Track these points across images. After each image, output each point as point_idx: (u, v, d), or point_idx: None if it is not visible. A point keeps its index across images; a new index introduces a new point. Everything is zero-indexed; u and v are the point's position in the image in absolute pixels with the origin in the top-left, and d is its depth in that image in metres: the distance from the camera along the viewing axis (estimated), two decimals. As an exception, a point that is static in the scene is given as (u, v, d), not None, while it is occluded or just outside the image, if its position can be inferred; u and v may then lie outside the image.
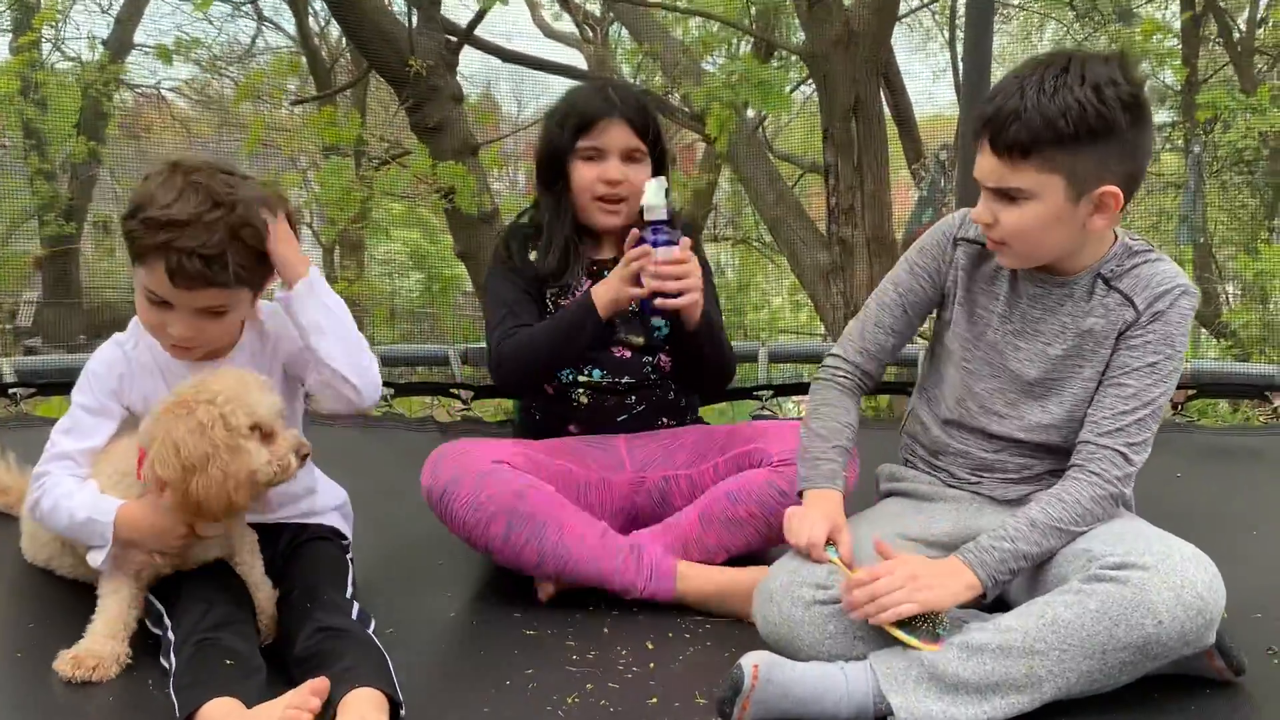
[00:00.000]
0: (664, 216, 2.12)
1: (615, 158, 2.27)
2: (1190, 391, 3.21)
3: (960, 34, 8.90)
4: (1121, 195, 1.78)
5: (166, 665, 1.69)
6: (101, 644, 1.75)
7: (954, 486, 2.05)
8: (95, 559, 1.80)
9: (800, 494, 1.96)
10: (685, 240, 2.15)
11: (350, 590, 1.88)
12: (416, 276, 11.99)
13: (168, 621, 1.76)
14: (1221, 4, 9.60)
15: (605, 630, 1.95)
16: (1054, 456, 1.97)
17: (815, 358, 3.50)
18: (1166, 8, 10.61)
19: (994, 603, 1.84)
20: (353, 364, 1.86)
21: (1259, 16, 10.15)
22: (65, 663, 1.72)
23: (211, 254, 1.74)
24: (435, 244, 10.79)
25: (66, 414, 1.93)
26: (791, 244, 7.25)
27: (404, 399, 3.17)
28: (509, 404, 3.79)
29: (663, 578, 2.03)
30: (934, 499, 2.04)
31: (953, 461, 2.05)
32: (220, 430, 1.71)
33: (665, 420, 2.34)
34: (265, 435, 1.76)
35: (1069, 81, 1.71)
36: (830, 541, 1.84)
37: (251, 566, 1.87)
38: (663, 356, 2.33)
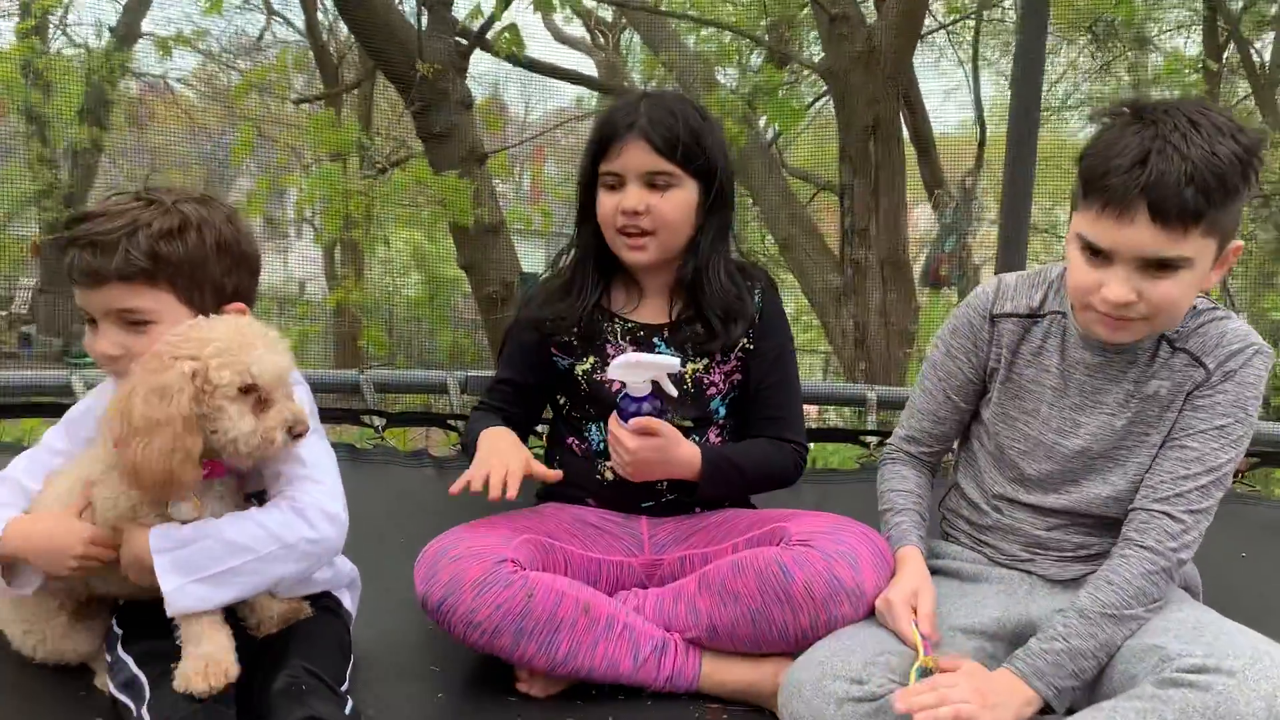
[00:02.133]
0: (637, 393, 1.85)
1: (634, 184, 1.97)
2: (1254, 459, 2.85)
3: (981, 55, 8.73)
4: (1242, 247, 1.64)
5: None
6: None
7: (1002, 565, 1.85)
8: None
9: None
10: (638, 422, 1.85)
11: (347, 684, 1.69)
12: (416, 277, 11.81)
13: (146, 692, 1.55)
14: (1244, 34, 9.44)
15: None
16: (1115, 533, 1.78)
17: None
18: (1188, 36, 10.46)
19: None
20: (300, 560, 1.62)
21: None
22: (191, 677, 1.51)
23: (105, 241, 1.57)
24: (436, 244, 10.62)
25: (33, 446, 1.78)
26: (802, 264, 7.07)
27: (396, 430, 2.96)
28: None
29: (685, 680, 1.82)
30: (979, 579, 1.85)
31: (1002, 538, 1.86)
32: (184, 400, 1.50)
33: (697, 511, 2.08)
34: (261, 402, 1.54)
35: (1210, 135, 1.54)
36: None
37: None
38: (713, 435, 2.06)
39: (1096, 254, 1.62)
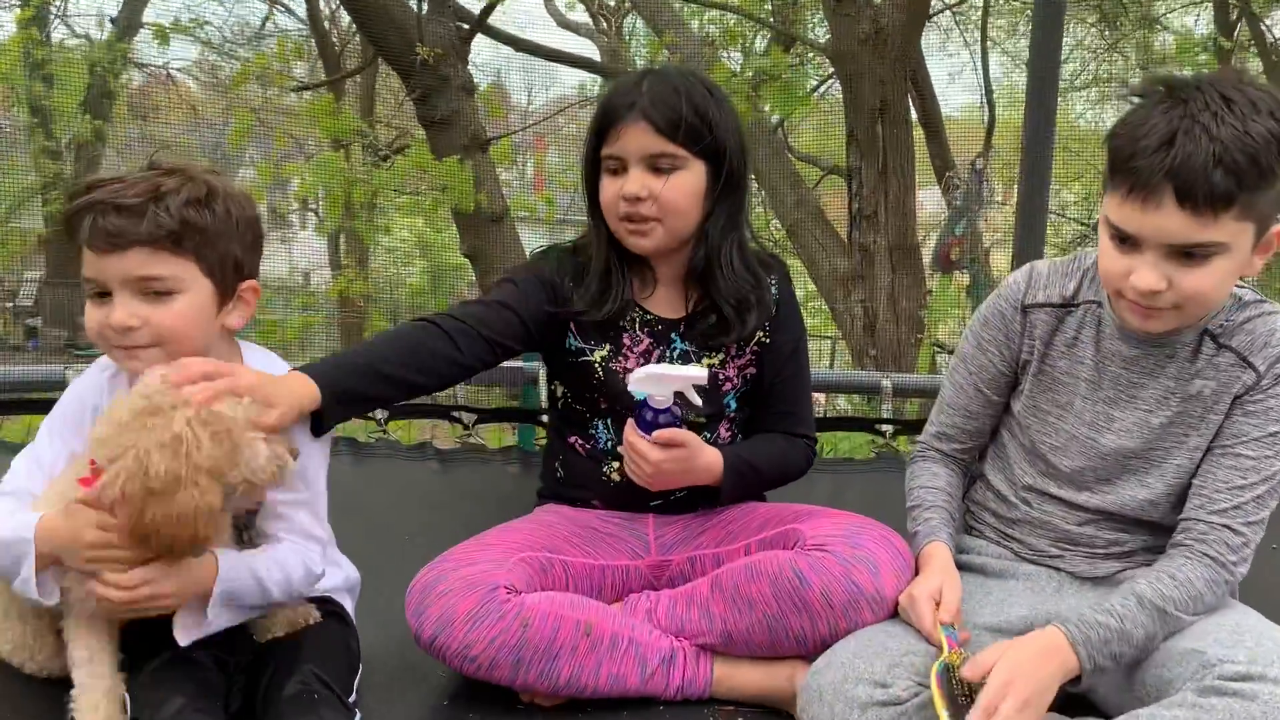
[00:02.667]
0: (658, 405, 1.76)
1: (636, 167, 1.84)
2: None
3: (989, 34, 8.64)
4: None
5: None
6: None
7: (1029, 560, 1.78)
8: (31, 590, 1.52)
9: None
10: (663, 434, 1.76)
11: (354, 695, 1.63)
12: (421, 265, 11.78)
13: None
14: (1255, 10, 9.33)
15: (621, 728, 1.68)
16: (1150, 531, 1.72)
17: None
18: (1199, 15, 10.35)
19: (1081, 706, 1.58)
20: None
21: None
22: None
23: (130, 204, 1.50)
24: (440, 232, 10.58)
25: (29, 444, 1.68)
26: (809, 249, 7.01)
27: (399, 422, 2.90)
28: (514, 429, 3.53)
29: (697, 687, 1.75)
30: (1006, 576, 1.78)
31: (1030, 532, 1.79)
32: (205, 452, 1.42)
33: (704, 508, 1.99)
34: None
35: (1244, 113, 1.44)
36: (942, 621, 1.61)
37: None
38: (723, 430, 1.97)
39: (1125, 240, 1.54)
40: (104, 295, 1.55)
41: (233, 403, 1.47)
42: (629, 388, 1.77)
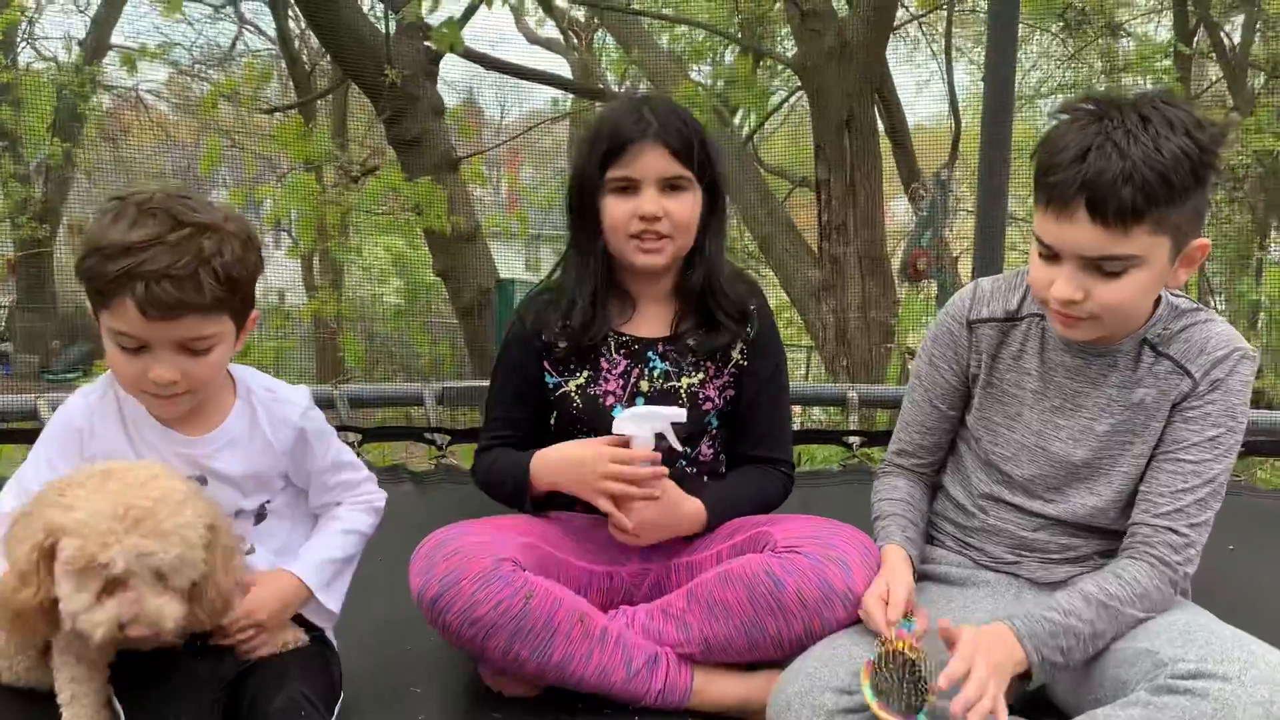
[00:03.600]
0: (640, 446, 1.84)
1: (651, 188, 1.91)
2: (1240, 449, 2.79)
3: (955, 45, 8.73)
4: (1209, 246, 1.60)
5: None
6: None
7: (988, 567, 1.83)
8: None
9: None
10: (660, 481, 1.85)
11: (335, 716, 1.66)
12: (396, 284, 11.75)
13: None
14: (1214, 18, 9.48)
15: (597, 735, 1.71)
16: (1101, 537, 1.77)
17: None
18: (1159, 21, 10.50)
19: (1041, 708, 1.62)
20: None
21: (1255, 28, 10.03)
22: None
23: (183, 274, 1.52)
24: (416, 249, 10.56)
25: (14, 476, 1.71)
26: (781, 260, 7.06)
27: (374, 444, 2.92)
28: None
29: (677, 694, 1.79)
30: (966, 584, 1.83)
31: (987, 540, 1.84)
32: (25, 553, 1.44)
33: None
34: (114, 584, 1.41)
35: (1160, 131, 1.50)
36: (908, 614, 1.65)
37: None
38: (705, 447, 2.03)
39: (1049, 252, 1.60)
40: (136, 350, 1.58)
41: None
42: (615, 428, 1.83)
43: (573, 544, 1.95)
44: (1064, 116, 1.59)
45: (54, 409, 2.77)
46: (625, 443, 1.84)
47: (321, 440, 1.76)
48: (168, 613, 1.44)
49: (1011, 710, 1.56)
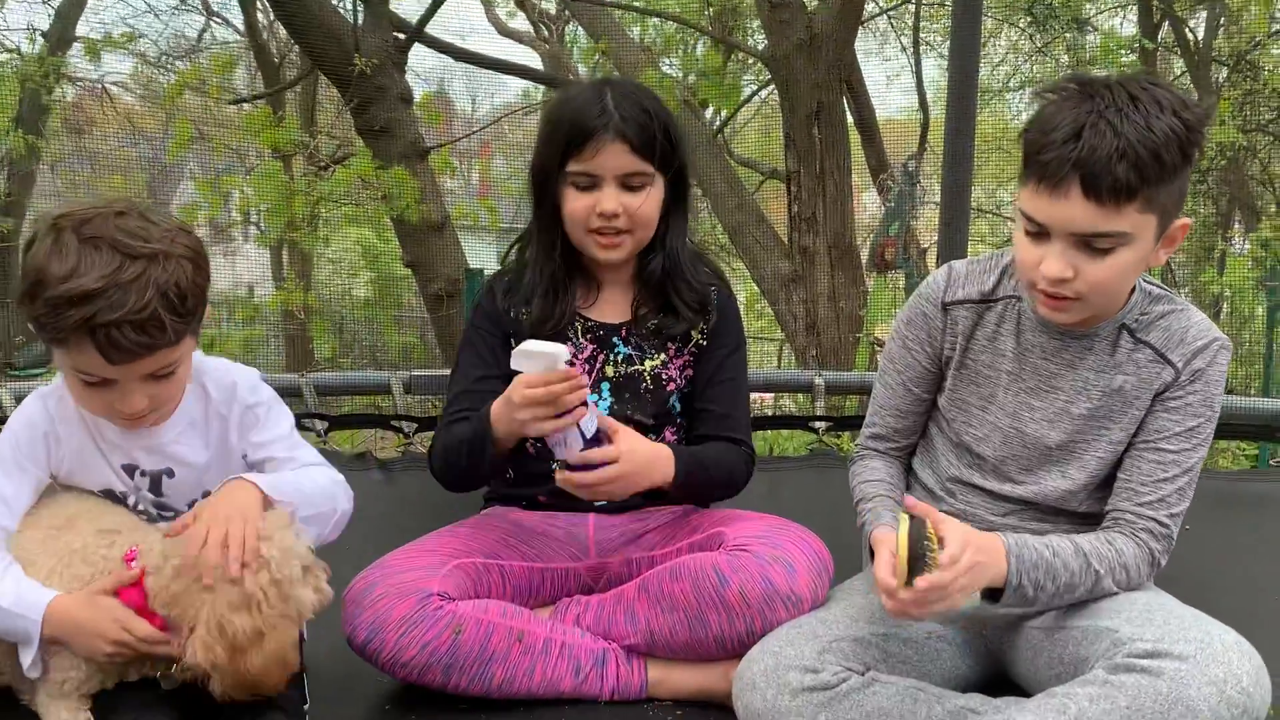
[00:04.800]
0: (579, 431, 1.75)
1: (611, 185, 1.88)
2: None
3: (923, 39, 8.80)
4: (1190, 225, 1.63)
5: None
6: None
7: (953, 551, 1.84)
8: (25, 661, 1.55)
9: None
10: (609, 450, 1.77)
11: (307, 701, 1.66)
12: (366, 276, 11.68)
13: None
14: (1178, 13, 9.59)
15: (561, 727, 1.72)
16: (1070, 522, 1.79)
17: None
18: (1124, 16, 10.61)
19: (1003, 685, 1.64)
20: (336, 528, 1.72)
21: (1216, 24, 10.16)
22: None
23: (144, 317, 1.47)
24: (387, 242, 10.50)
25: None
26: (751, 251, 7.08)
27: (340, 432, 2.91)
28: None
29: (633, 690, 1.79)
30: (933, 566, 1.84)
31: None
32: (275, 598, 1.50)
33: (646, 507, 2.01)
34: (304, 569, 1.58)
35: (1149, 110, 1.52)
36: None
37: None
38: (669, 433, 2.00)
39: (1037, 230, 1.61)
40: (100, 385, 1.55)
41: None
42: (511, 365, 1.75)
43: (521, 546, 1.93)
44: (1051, 96, 1.61)
45: (16, 398, 2.76)
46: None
47: (273, 412, 1.73)
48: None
49: (974, 688, 1.58)
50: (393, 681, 1.79)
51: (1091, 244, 1.57)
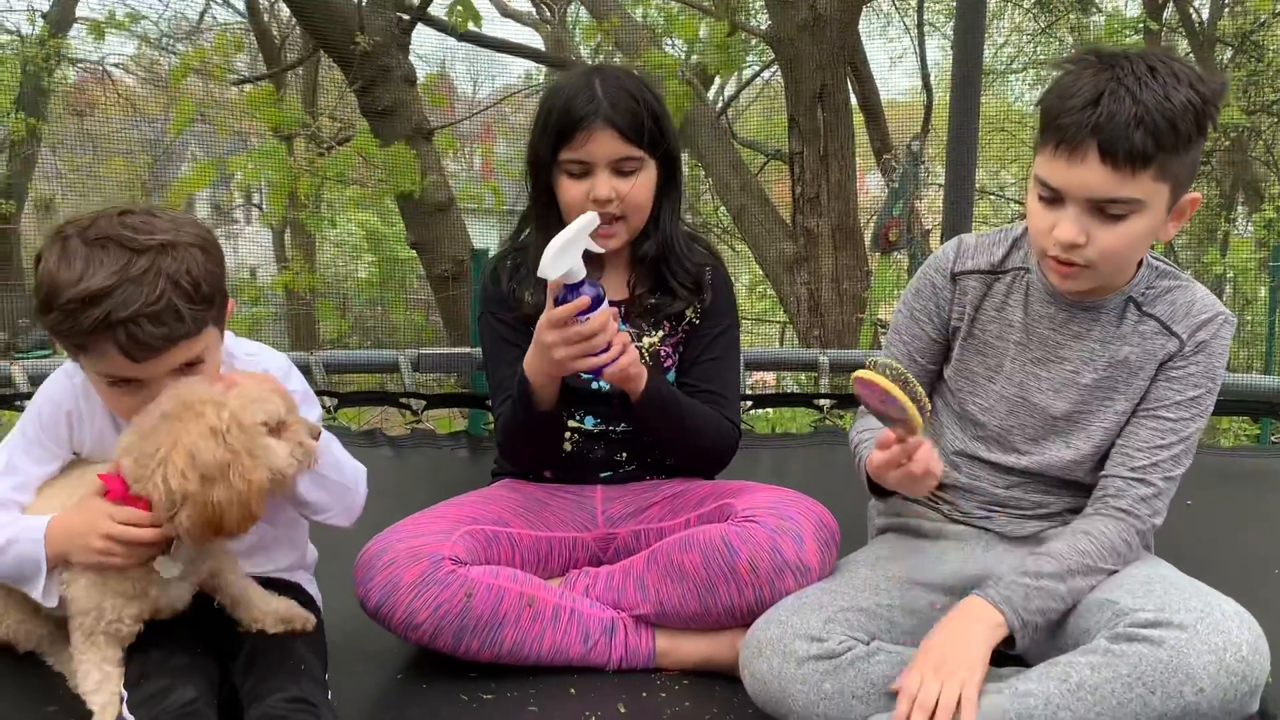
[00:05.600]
0: (573, 280, 1.74)
1: (604, 171, 1.92)
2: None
3: (927, 20, 8.76)
4: (1200, 199, 1.65)
5: None
6: None
7: (959, 522, 1.87)
8: (36, 592, 1.57)
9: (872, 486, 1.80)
10: (604, 312, 1.77)
11: (327, 672, 1.67)
12: (370, 259, 11.69)
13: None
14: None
15: (571, 691, 1.74)
16: (1073, 492, 1.81)
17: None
18: (1128, -4, 10.57)
19: (1005, 657, 1.66)
20: (346, 511, 1.73)
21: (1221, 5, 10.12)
22: None
23: (160, 309, 1.48)
24: (391, 226, 10.51)
25: (4, 452, 1.68)
26: (755, 233, 7.08)
27: (349, 410, 2.93)
28: (465, 414, 3.58)
29: (640, 658, 1.82)
30: (937, 537, 1.87)
31: (959, 495, 1.87)
32: (236, 433, 1.49)
33: (651, 479, 2.07)
34: (275, 429, 1.55)
35: (1167, 81, 1.54)
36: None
37: (239, 585, 1.66)
38: None
39: (1051, 196, 1.63)
40: (128, 384, 1.55)
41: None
42: (541, 272, 1.73)
43: (531, 514, 1.96)
44: (1070, 66, 1.63)
45: (29, 377, 2.78)
46: (564, 299, 1.77)
47: (305, 402, 1.74)
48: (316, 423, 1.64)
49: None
50: (405, 650, 1.82)
51: (1105, 210, 1.59)
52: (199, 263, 1.53)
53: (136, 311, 1.46)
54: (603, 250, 1.85)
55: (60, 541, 1.55)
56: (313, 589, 1.83)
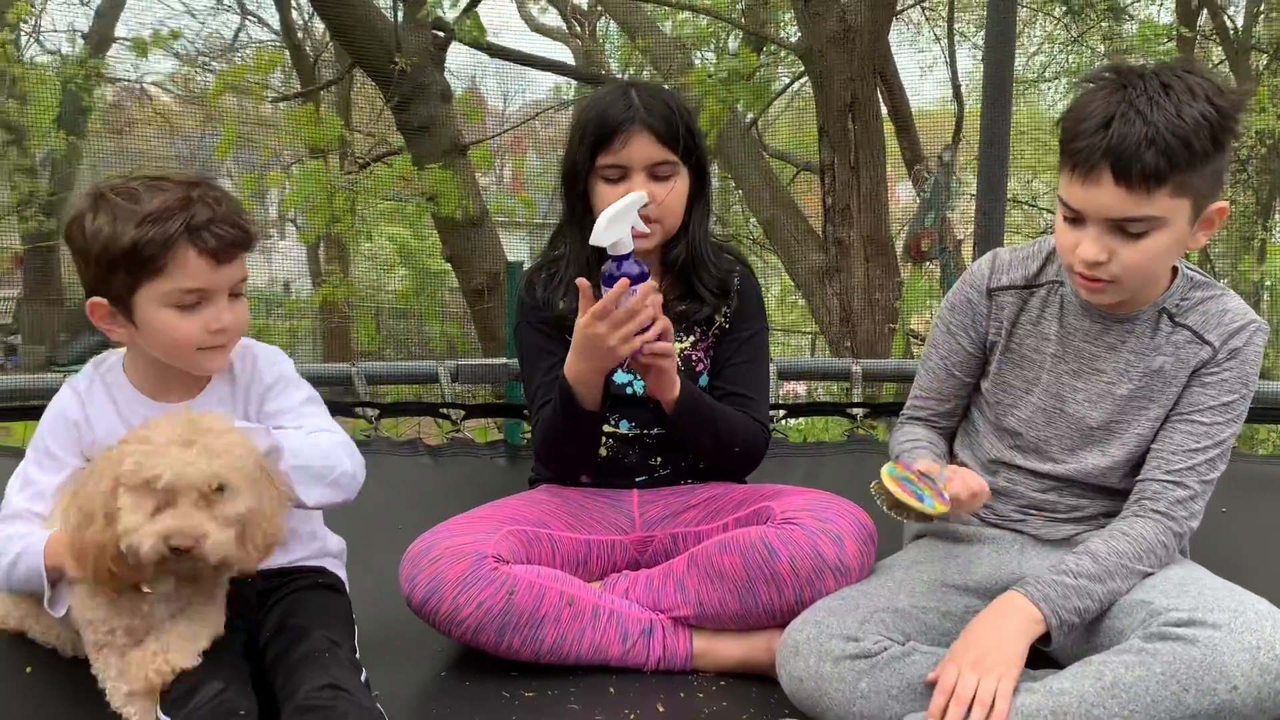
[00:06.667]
0: (621, 251, 1.79)
1: (640, 175, 1.98)
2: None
3: (958, 29, 8.76)
4: (1228, 209, 1.67)
5: None
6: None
7: (994, 525, 1.89)
8: (45, 602, 1.63)
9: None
10: (646, 286, 1.81)
11: (358, 652, 1.71)
12: (403, 273, 11.79)
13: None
14: (1217, 1, 9.50)
15: (611, 690, 1.78)
16: (1108, 496, 1.84)
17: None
18: (1161, 4, 10.50)
19: (1042, 660, 1.69)
20: (333, 489, 1.69)
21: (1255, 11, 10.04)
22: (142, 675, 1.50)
23: (229, 213, 1.63)
24: (422, 240, 10.59)
25: (20, 466, 1.76)
26: (786, 244, 7.11)
27: (390, 419, 2.99)
28: (500, 423, 3.62)
29: (678, 660, 1.85)
30: (971, 540, 1.89)
31: (996, 499, 1.89)
32: (103, 485, 1.49)
33: (688, 482, 2.11)
34: (164, 503, 1.46)
35: (1181, 97, 1.57)
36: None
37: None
38: None
39: (1073, 215, 1.66)
40: (194, 306, 1.64)
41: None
42: (592, 241, 1.80)
43: (570, 518, 2.00)
44: (1088, 85, 1.66)
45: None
46: (611, 273, 1.81)
47: (289, 385, 1.79)
48: (211, 531, 1.46)
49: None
50: (448, 649, 1.87)
51: (1125, 228, 1.61)
52: (224, 193, 1.67)
53: (212, 217, 1.61)
54: (647, 232, 1.91)
55: (56, 555, 1.61)
56: (341, 573, 1.87)
